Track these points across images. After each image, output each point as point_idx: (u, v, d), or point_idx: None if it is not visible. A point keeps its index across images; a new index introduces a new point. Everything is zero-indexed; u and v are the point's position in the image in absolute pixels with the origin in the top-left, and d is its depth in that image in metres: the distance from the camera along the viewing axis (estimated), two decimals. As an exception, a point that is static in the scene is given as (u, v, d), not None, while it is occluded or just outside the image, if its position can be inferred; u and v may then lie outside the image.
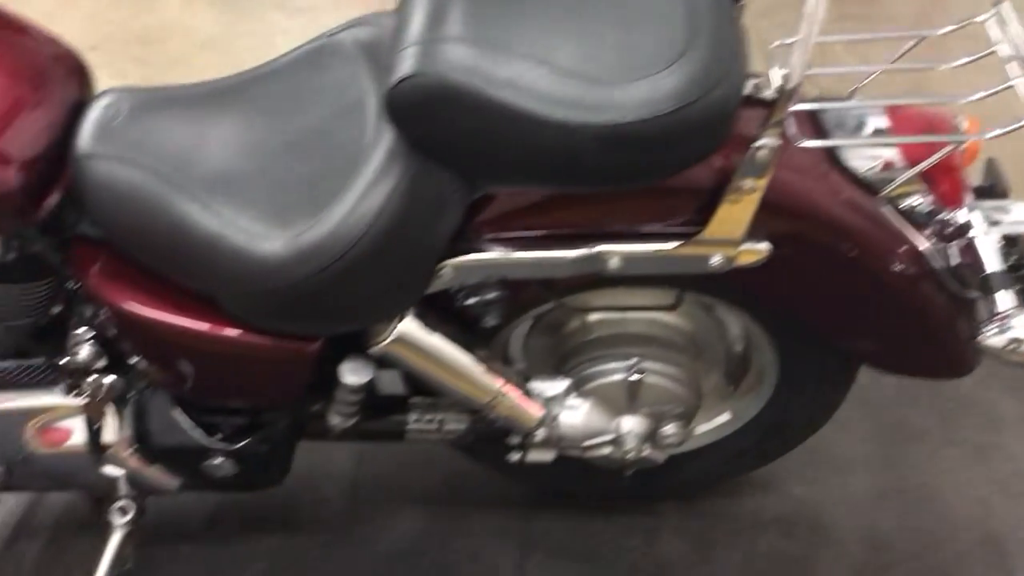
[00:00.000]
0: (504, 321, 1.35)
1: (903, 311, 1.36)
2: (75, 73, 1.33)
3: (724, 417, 1.70)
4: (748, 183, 1.18)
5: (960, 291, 1.35)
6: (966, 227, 1.34)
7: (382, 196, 1.16)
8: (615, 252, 1.26)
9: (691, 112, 1.09)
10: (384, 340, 1.29)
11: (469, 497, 1.85)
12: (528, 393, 1.46)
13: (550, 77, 1.11)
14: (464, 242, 1.27)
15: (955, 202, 1.34)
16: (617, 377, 1.48)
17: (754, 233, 1.26)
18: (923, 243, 1.31)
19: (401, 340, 1.30)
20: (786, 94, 1.10)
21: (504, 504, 1.83)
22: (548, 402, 1.50)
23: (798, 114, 1.25)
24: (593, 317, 1.53)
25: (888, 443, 1.94)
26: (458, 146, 1.15)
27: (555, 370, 1.56)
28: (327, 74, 1.35)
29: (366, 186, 1.17)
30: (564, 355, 1.55)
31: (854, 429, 1.96)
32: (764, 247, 1.27)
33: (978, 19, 1.29)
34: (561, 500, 1.82)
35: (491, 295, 1.28)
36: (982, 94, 1.21)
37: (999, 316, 1.27)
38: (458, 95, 1.10)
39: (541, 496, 1.84)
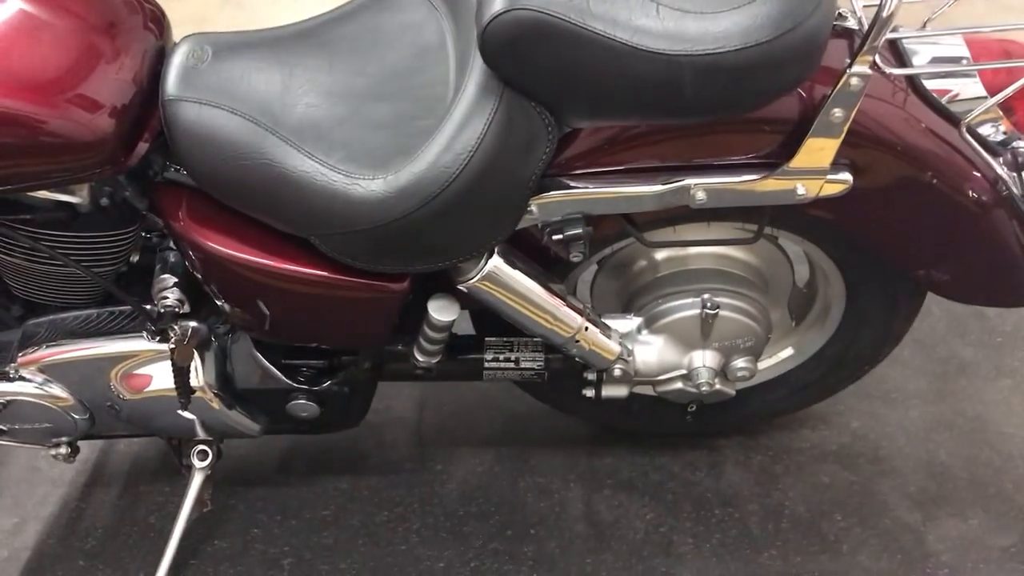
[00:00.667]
0: (587, 256, 1.37)
1: (977, 238, 1.38)
2: (155, 20, 1.33)
3: (787, 352, 1.73)
4: (838, 112, 1.20)
5: None
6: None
7: (476, 132, 1.17)
8: (701, 185, 1.28)
9: (788, 40, 1.10)
10: (474, 277, 1.32)
11: (532, 438, 1.88)
12: (606, 329, 1.48)
13: (645, 8, 1.12)
14: (549, 178, 1.29)
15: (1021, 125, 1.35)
16: (690, 312, 1.50)
17: (837, 163, 1.28)
18: (999, 171, 1.33)
19: (490, 276, 1.32)
20: (881, 21, 1.11)
21: (568, 443, 1.87)
22: (623, 338, 1.52)
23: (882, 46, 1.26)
24: (661, 255, 1.55)
25: (940, 377, 1.98)
26: (553, 81, 1.16)
27: (623, 310, 1.58)
28: (403, 15, 1.36)
29: (459, 123, 1.18)
30: (633, 294, 1.57)
31: (907, 364, 2.00)
32: (848, 177, 1.28)
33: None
34: (624, 438, 1.86)
35: (575, 231, 1.30)
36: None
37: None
38: (554, 30, 1.11)
39: (605, 434, 1.87)
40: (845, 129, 1.22)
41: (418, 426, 1.92)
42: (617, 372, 1.50)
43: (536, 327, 1.40)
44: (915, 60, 1.29)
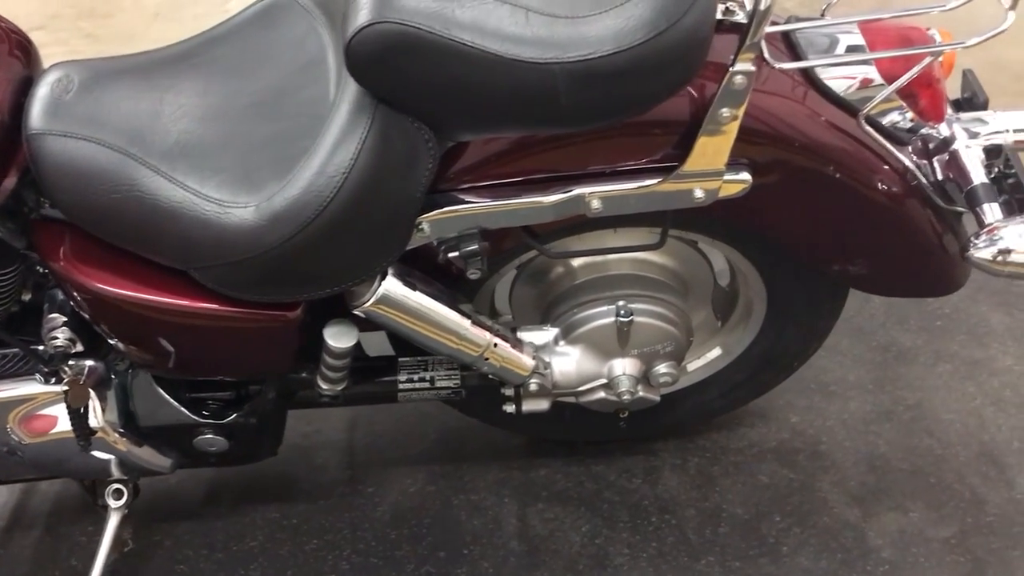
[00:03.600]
0: (488, 272, 1.32)
1: (891, 231, 1.34)
2: (20, 49, 1.28)
3: (715, 352, 1.69)
4: (726, 112, 1.16)
5: (946, 206, 1.34)
6: (948, 141, 1.33)
7: (350, 153, 1.12)
8: (596, 193, 1.23)
9: (663, 41, 1.06)
10: (367, 301, 1.27)
11: (466, 452, 1.84)
12: (518, 343, 1.44)
13: (514, 16, 1.07)
14: (440, 194, 1.24)
15: (937, 116, 1.32)
16: (605, 321, 1.46)
17: (735, 163, 1.24)
18: (906, 160, 1.30)
19: (384, 299, 1.27)
20: (759, 16, 1.07)
21: (502, 456, 1.82)
22: (538, 351, 1.48)
23: (770, 36, 1.22)
24: (577, 262, 1.51)
25: (880, 365, 1.94)
26: (424, 95, 1.11)
27: (542, 319, 1.54)
28: (282, 31, 1.30)
29: (333, 144, 1.13)
30: (551, 303, 1.53)
31: (845, 354, 1.96)
32: (746, 176, 1.24)
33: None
34: (559, 447, 1.82)
35: (472, 246, 1.25)
36: (956, 3, 1.18)
37: (987, 228, 1.26)
38: (420, 42, 1.06)
39: (539, 445, 1.83)
40: (735, 128, 1.17)
41: (349, 447, 1.87)
42: (533, 387, 1.46)
43: (441, 348, 1.36)
44: (810, 51, 1.25)
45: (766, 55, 1.17)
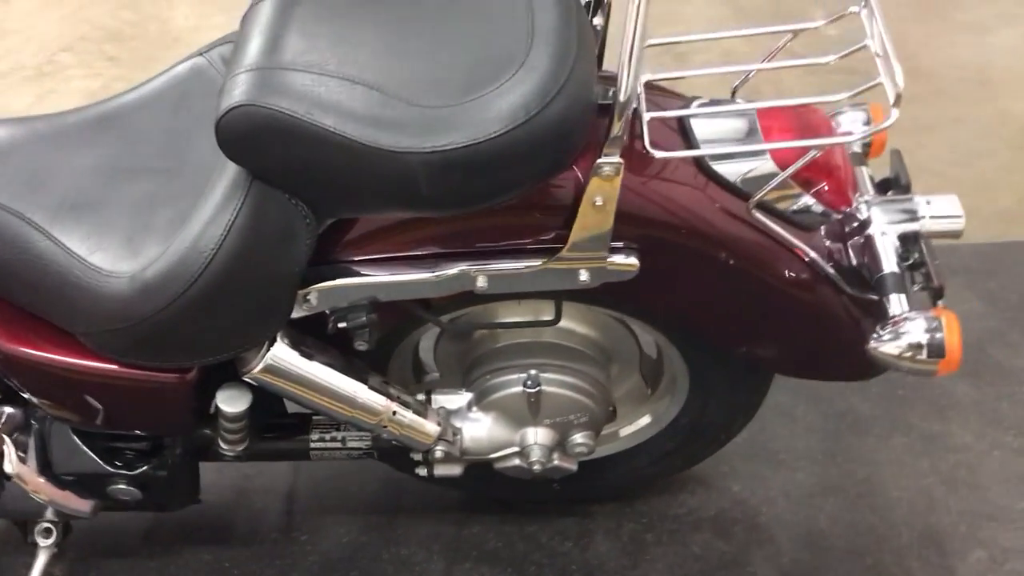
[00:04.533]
0: (378, 343, 1.32)
1: (795, 316, 1.31)
2: None
3: (645, 420, 1.66)
4: (599, 200, 1.14)
5: (859, 293, 1.30)
6: (864, 224, 1.30)
7: (221, 228, 1.14)
8: (481, 271, 1.23)
9: (522, 132, 1.05)
10: (255, 368, 1.28)
11: (403, 504, 1.83)
12: (423, 409, 1.43)
13: (380, 101, 1.08)
14: (329, 265, 1.25)
15: (841, 202, 1.29)
16: (515, 390, 1.45)
17: (624, 246, 1.22)
18: (805, 245, 1.26)
19: (271, 368, 1.28)
20: (619, 107, 1.05)
21: (438, 510, 1.82)
22: (451, 415, 1.48)
23: (657, 122, 1.21)
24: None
25: (833, 434, 1.89)
26: (293, 175, 1.12)
27: (463, 381, 1.54)
28: (189, 99, 1.32)
29: (208, 217, 1.15)
30: (470, 365, 1.52)
31: (799, 420, 1.92)
32: (634, 262, 1.23)
33: (851, 10, 1.23)
34: (496, 505, 1.81)
35: (360, 318, 1.25)
36: (846, 94, 1.15)
37: (892, 320, 1.22)
38: (283, 124, 1.07)
39: (476, 501, 1.82)
40: (611, 214, 1.16)
41: (290, 492, 1.88)
42: (439, 454, 1.45)
43: (336, 415, 1.36)
44: (704, 135, 1.22)
45: (646, 143, 1.15)
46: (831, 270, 1.28)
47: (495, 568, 1.73)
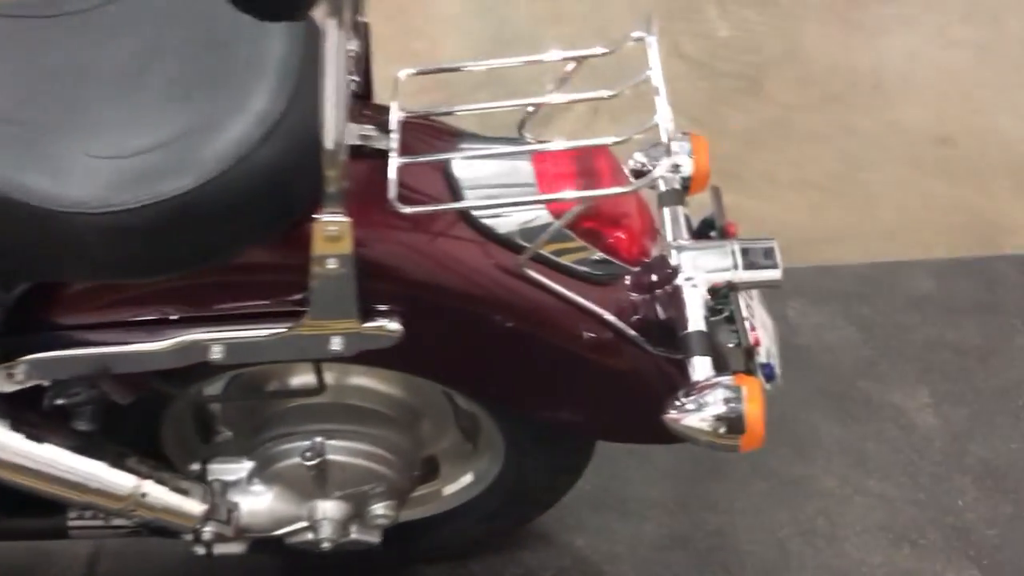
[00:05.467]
0: (139, 411, 1.15)
1: (589, 380, 1.17)
2: None
3: (468, 478, 1.51)
4: (331, 263, 0.98)
5: (666, 352, 1.15)
6: (670, 275, 1.15)
7: None
8: (215, 340, 1.06)
9: (216, 187, 0.89)
10: None
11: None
12: (186, 486, 1.26)
13: (72, 153, 0.91)
14: (44, 332, 1.07)
15: (635, 252, 1.14)
16: (296, 460, 1.28)
17: (384, 310, 1.06)
18: (598, 301, 1.11)
19: None
20: (327, 158, 0.88)
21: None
22: (228, 489, 1.31)
23: (429, 166, 1.05)
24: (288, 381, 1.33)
25: (689, 480, 1.76)
26: None
27: (250, 445, 1.37)
28: None
29: None
30: (254, 429, 1.36)
31: (656, 465, 1.78)
32: (395, 327, 1.07)
33: (634, 35, 1.08)
34: (318, 569, 1.64)
35: (75, 396, 1.08)
36: (617, 138, 1.00)
37: (693, 388, 1.07)
38: None
39: (297, 566, 1.65)
40: (351, 278, 1.00)
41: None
42: (207, 535, 1.28)
43: (69, 501, 1.19)
44: (469, 182, 1.06)
45: (391, 196, 0.99)
46: (628, 328, 1.13)
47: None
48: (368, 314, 1.06)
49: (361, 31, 1.09)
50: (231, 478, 1.32)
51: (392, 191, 0.99)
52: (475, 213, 1.05)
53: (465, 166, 1.06)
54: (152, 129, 0.92)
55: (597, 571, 1.64)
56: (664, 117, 0.94)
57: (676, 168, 1.29)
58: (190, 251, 0.95)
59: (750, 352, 1.13)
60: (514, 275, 1.07)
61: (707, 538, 1.67)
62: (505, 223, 1.07)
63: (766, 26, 2.97)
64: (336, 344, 1.06)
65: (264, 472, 1.31)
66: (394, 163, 1.00)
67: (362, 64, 1.13)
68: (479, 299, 1.07)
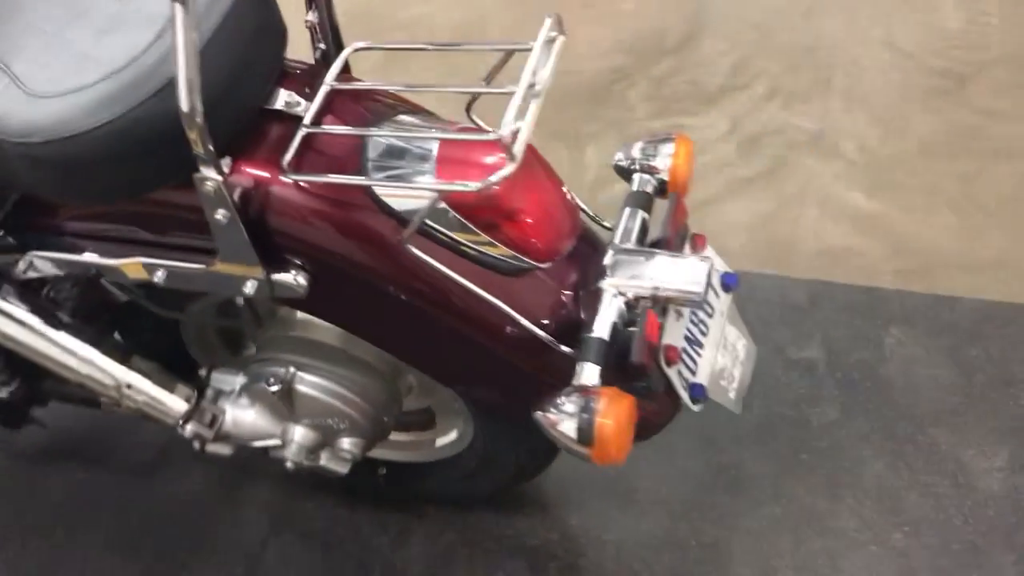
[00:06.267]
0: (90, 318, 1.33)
1: (485, 361, 1.20)
2: None
3: (452, 435, 1.59)
4: (220, 216, 1.08)
5: (561, 348, 1.17)
6: (596, 277, 1.16)
7: None
8: (157, 264, 1.21)
9: (111, 132, 1.01)
10: None
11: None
12: (172, 385, 1.43)
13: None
14: (50, 234, 1.27)
15: (539, 247, 1.14)
16: (266, 385, 1.42)
17: (293, 264, 1.16)
18: (496, 289, 1.14)
19: None
20: (185, 120, 0.97)
21: (282, 478, 1.80)
22: (220, 396, 1.47)
23: (349, 138, 1.12)
24: (291, 314, 1.47)
25: (704, 487, 1.72)
26: None
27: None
28: None
29: None
30: (257, 348, 1.51)
31: (677, 463, 1.76)
32: (301, 282, 1.16)
33: (555, 36, 1.07)
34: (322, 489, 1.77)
35: (63, 291, 1.27)
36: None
37: (570, 392, 1.08)
38: None
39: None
40: (242, 231, 1.09)
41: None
42: (188, 432, 1.46)
43: (70, 378, 1.39)
44: (377, 158, 1.11)
45: (284, 162, 1.07)
46: (525, 319, 1.14)
47: (307, 545, 1.72)
48: (279, 265, 1.15)
49: (321, 2, 1.17)
50: (226, 388, 1.47)
51: (288, 157, 1.07)
52: (377, 189, 1.11)
53: (381, 143, 1.11)
54: (67, 73, 1.05)
55: (579, 551, 1.66)
56: (509, 120, 0.95)
57: (651, 170, 1.27)
58: (99, 185, 1.09)
59: (638, 369, 1.11)
60: (400, 251, 1.11)
61: (699, 549, 1.63)
62: (404, 203, 1.11)
63: (1008, 22, 2.67)
64: (249, 288, 1.17)
65: (249, 389, 1.46)
66: (301, 132, 1.08)
67: (328, 33, 1.21)
68: (371, 270, 1.13)
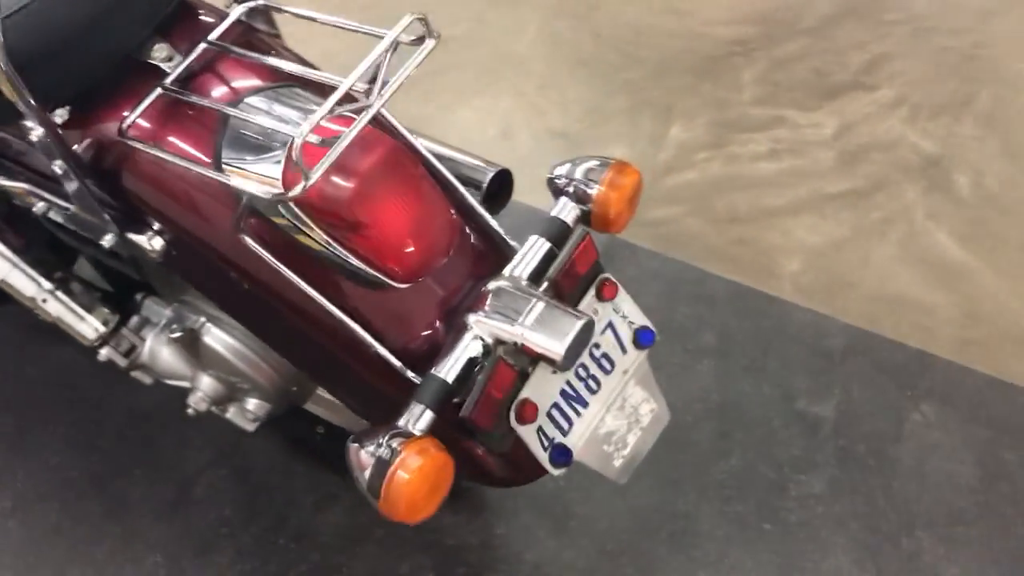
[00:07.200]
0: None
1: (335, 365, 1.11)
2: None
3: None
4: (57, 163, 1.01)
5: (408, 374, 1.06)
6: (465, 308, 1.04)
7: None
8: (39, 196, 1.17)
9: None
10: None
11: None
12: (92, 306, 1.41)
13: None
14: None
15: (401, 265, 1.03)
16: (170, 331, 1.38)
17: (155, 227, 1.09)
18: (339, 295, 1.04)
19: None
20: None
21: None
22: (145, 326, 1.45)
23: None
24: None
25: (647, 531, 1.58)
26: None
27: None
28: None
29: None
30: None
31: (628, 497, 1.61)
32: (155, 246, 1.09)
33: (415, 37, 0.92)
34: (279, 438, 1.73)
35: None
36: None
37: (384, 432, 0.98)
38: None
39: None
40: (79, 183, 1.03)
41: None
42: (102, 357, 1.43)
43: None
44: (235, 136, 1.01)
45: (125, 123, 0.99)
46: (371, 339, 1.03)
47: (238, 481, 1.69)
48: (136, 225, 1.09)
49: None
50: (153, 319, 1.45)
51: (131, 117, 0.99)
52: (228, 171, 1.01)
53: (245, 118, 1.01)
54: None
55: (492, 564, 1.56)
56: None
57: (583, 198, 1.12)
58: None
59: (469, 426, 0.98)
60: (235, 239, 1.01)
61: (609, 590, 1.50)
62: (253, 188, 1.01)
63: None
64: (107, 240, 1.11)
65: (169, 326, 1.43)
66: (155, 92, 0.99)
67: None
68: (208, 248, 1.05)
